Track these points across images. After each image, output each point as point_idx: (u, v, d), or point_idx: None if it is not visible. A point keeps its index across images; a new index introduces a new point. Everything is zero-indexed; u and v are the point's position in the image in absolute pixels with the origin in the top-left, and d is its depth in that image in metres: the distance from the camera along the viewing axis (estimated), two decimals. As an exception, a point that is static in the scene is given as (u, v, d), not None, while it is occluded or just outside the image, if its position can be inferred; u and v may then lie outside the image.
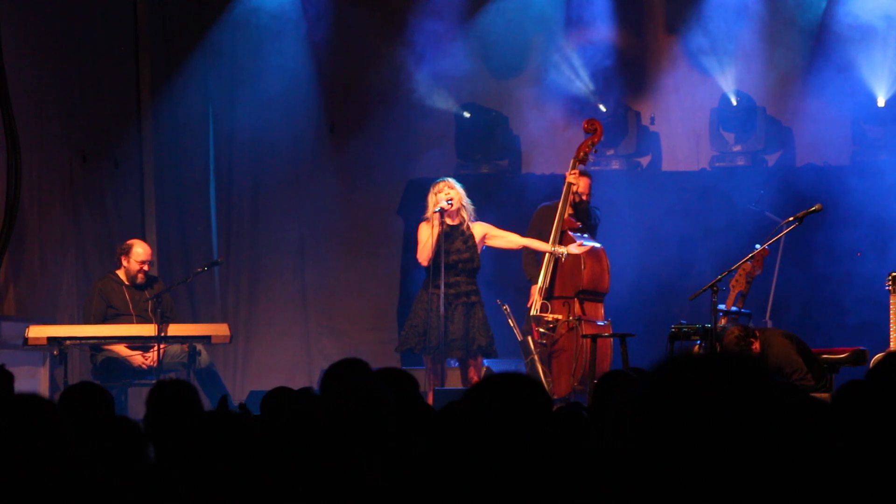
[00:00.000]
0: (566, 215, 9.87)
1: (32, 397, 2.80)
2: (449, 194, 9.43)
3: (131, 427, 3.87)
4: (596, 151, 10.23)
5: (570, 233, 9.85)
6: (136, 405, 10.36)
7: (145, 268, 10.20)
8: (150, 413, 4.86)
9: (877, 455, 2.98)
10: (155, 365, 9.80)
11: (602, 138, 10.24)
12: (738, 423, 1.96)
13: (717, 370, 2.01)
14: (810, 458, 2.37)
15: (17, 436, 2.69)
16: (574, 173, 9.96)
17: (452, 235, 9.43)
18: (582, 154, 10.04)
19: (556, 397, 9.53)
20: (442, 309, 9.23)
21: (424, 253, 9.41)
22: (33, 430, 2.70)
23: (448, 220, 9.43)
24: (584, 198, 10.06)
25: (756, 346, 9.01)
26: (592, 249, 9.88)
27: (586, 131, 10.19)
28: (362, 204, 12.33)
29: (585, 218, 10.05)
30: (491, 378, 3.02)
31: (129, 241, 10.39)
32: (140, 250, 10.22)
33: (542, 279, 9.86)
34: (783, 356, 8.97)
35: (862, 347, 9.34)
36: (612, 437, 3.64)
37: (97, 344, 9.99)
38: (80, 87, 11.46)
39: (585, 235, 9.92)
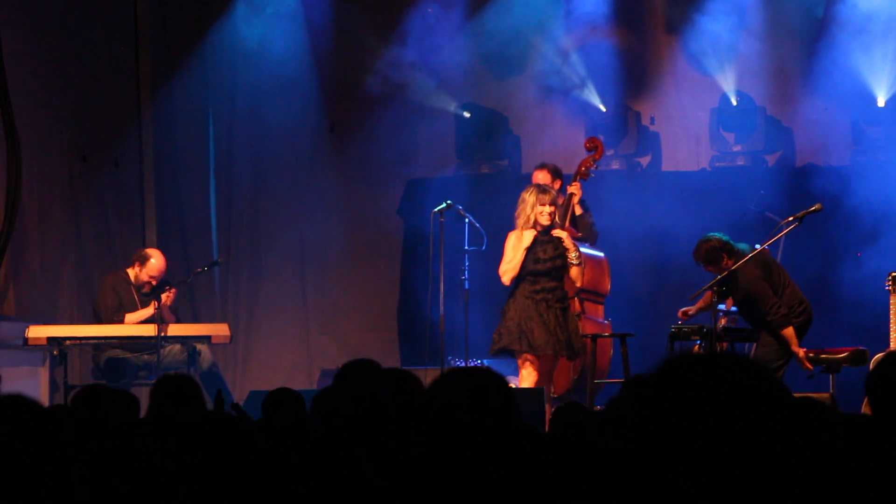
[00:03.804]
0: (566, 225, 9.86)
1: (17, 398, 2.78)
2: (552, 210, 9.15)
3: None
4: (597, 167, 10.27)
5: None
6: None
7: (153, 282, 10.22)
8: (152, 408, 4.88)
9: (877, 455, 2.98)
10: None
11: (602, 156, 10.29)
12: (740, 424, 1.96)
13: (718, 369, 2.01)
14: (809, 459, 2.37)
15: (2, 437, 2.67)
16: (576, 185, 9.98)
17: (544, 242, 9.22)
18: (583, 169, 10.07)
19: (555, 396, 9.53)
20: (442, 309, 9.17)
21: (510, 273, 9.06)
22: (18, 432, 2.68)
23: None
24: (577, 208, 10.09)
25: (728, 262, 9.01)
26: (594, 256, 9.91)
27: (587, 149, 10.25)
28: (362, 204, 12.32)
29: (587, 229, 10.09)
30: (452, 371, 3.03)
31: (147, 251, 10.42)
32: (155, 263, 10.22)
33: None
34: (753, 284, 9.01)
35: (862, 347, 9.34)
36: (613, 436, 3.64)
37: (97, 344, 10.00)
38: (80, 87, 11.46)
39: (586, 244, 9.93)
